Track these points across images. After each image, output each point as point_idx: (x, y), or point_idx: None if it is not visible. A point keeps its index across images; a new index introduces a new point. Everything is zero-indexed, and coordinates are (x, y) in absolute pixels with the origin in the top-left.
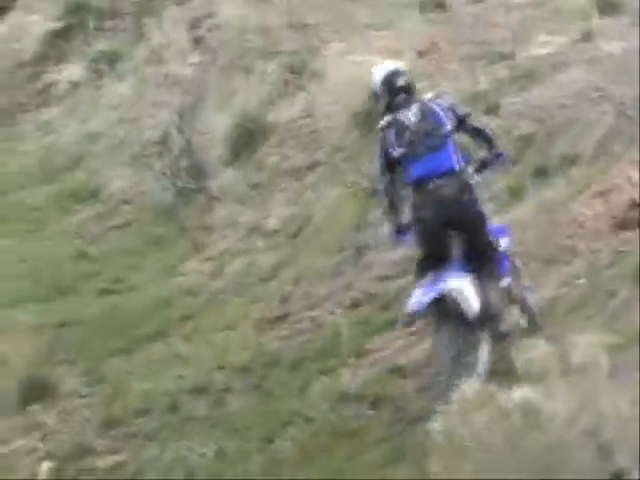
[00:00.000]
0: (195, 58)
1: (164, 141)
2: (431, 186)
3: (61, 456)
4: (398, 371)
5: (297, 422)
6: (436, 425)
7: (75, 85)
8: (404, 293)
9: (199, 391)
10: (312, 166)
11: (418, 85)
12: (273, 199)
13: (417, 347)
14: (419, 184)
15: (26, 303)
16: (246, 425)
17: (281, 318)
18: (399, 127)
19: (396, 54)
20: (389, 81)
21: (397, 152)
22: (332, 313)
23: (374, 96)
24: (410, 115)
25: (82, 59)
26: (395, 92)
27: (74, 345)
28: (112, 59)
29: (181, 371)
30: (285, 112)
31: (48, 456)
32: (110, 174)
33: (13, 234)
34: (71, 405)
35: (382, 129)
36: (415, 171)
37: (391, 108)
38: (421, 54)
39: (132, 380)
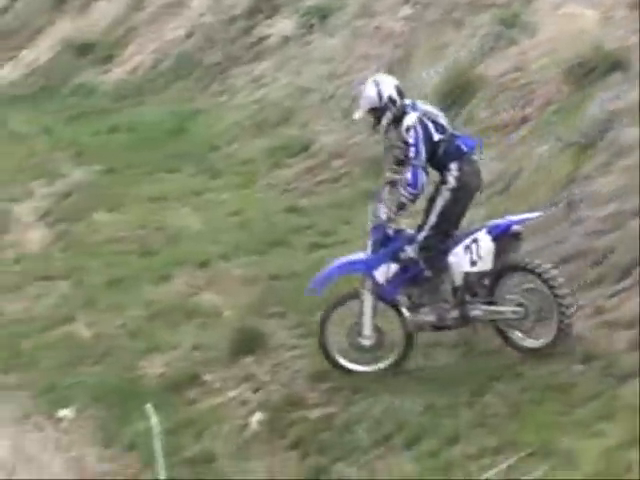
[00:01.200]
0: (406, 11)
1: None
2: (473, 158)
3: (272, 407)
4: (609, 326)
5: (506, 377)
6: None
7: (286, 39)
8: (615, 248)
9: None
10: (522, 121)
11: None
12: (482, 154)
13: (629, 302)
14: (465, 156)
15: (239, 256)
16: (455, 380)
17: None
18: (429, 118)
19: (608, 8)
20: (400, 91)
21: (441, 136)
22: None
23: (384, 106)
24: (429, 108)
25: (293, 13)
26: (403, 99)
27: (285, 298)
28: (323, 13)
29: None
30: (496, 66)
31: (259, 407)
32: (321, 128)
33: (226, 188)
34: (282, 357)
35: (414, 126)
36: (462, 145)
37: (404, 112)
38: (632, 7)
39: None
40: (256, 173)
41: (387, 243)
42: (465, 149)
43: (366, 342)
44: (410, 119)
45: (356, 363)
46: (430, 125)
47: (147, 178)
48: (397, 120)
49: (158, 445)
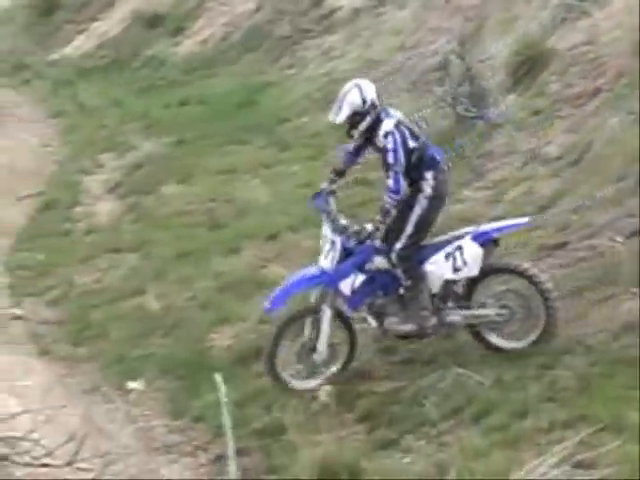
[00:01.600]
0: None
1: (444, 67)
2: (444, 167)
3: (341, 380)
4: None
5: (576, 350)
6: None
7: (356, 11)
8: None
9: None
10: (594, 93)
11: None
12: (553, 126)
13: None
14: (439, 165)
15: (308, 228)
16: (523, 353)
17: (560, 246)
18: (404, 124)
19: None
20: (378, 95)
21: (414, 144)
22: (612, 242)
23: (366, 111)
24: (401, 115)
25: None
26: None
27: None
28: None
29: None
30: (567, 38)
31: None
32: (390, 100)
33: (296, 160)
34: None
35: (392, 132)
36: (435, 154)
37: (379, 118)
38: None
39: None
40: (325, 146)
41: (349, 255)
42: (438, 158)
43: (318, 358)
44: (388, 125)
45: (299, 379)
46: (406, 132)
47: (217, 150)
48: (373, 126)
49: (227, 416)
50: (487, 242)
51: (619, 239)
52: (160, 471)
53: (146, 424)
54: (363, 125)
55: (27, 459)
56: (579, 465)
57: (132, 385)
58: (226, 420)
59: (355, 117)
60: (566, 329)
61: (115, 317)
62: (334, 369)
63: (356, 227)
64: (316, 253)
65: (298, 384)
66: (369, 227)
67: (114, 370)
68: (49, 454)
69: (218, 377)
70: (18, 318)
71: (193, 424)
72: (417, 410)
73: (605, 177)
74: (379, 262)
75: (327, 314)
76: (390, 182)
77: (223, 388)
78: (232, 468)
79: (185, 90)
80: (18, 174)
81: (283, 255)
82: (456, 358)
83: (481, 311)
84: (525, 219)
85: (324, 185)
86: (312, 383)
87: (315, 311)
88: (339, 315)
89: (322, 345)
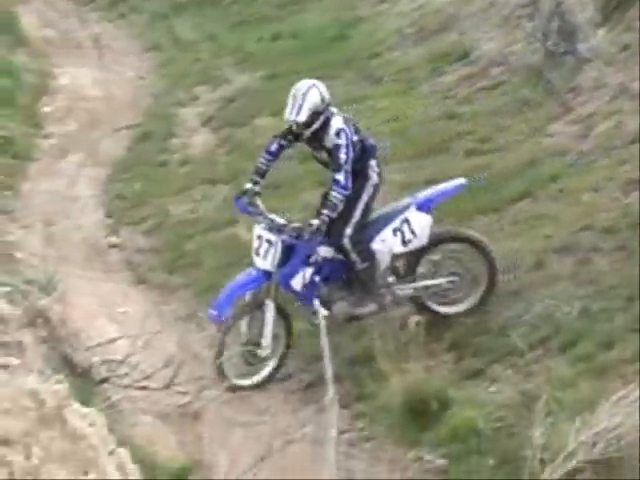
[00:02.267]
0: None
1: (534, 3)
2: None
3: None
4: None
5: None
6: None
7: None
8: None
9: (565, 250)
10: None
11: None
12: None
13: None
14: (377, 153)
15: (396, 162)
16: (611, 285)
17: None
18: (347, 120)
19: None
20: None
21: (357, 136)
22: None
23: (323, 110)
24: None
25: None
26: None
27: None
28: None
29: (547, 230)
30: None
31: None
32: (481, 35)
33: (386, 94)
34: None
35: (343, 128)
36: (373, 142)
37: (329, 115)
38: None
39: (499, 238)
40: (415, 80)
41: (288, 251)
42: (377, 146)
43: (263, 352)
44: (338, 122)
45: (241, 378)
46: (351, 126)
47: None
48: (322, 125)
49: (325, 341)
50: (431, 209)
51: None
52: (252, 397)
53: None
54: (316, 124)
55: (126, 382)
56: None
57: None
58: (325, 345)
59: (313, 116)
60: None
61: (208, 246)
62: (273, 364)
63: (296, 223)
64: (403, 186)
65: (241, 382)
66: (315, 222)
67: (208, 298)
68: (147, 377)
69: (317, 302)
70: (115, 246)
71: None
72: (504, 340)
73: None
74: (324, 251)
75: (270, 308)
76: (340, 177)
77: (322, 314)
78: (330, 390)
79: (277, 25)
80: (115, 106)
81: None
82: (543, 289)
83: (432, 281)
84: (463, 180)
85: (248, 186)
86: (253, 379)
87: (258, 306)
88: (277, 308)
89: (267, 339)
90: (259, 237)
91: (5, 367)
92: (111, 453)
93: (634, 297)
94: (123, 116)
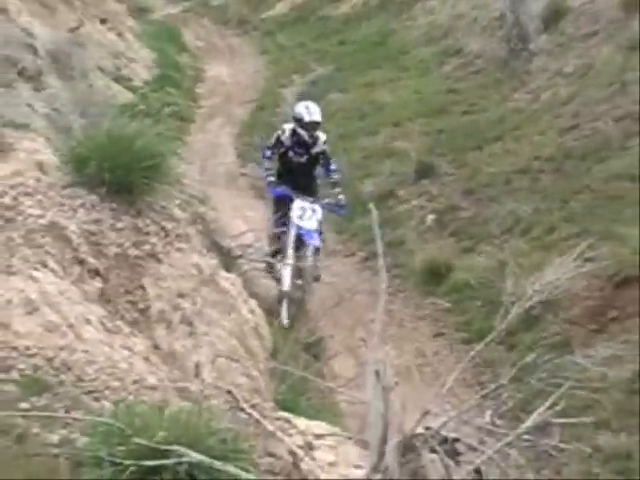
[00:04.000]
0: None
1: (502, 17)
2: None
3: (439, 210)
4: None
5: None
6: None
7: None
8: None
9: (523, 172)
10: None
11: None
12: None
13: None
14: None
15: (417, 118)
16: (552, 192)
17: None
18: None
19: None
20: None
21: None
22: None
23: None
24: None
25: None
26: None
27: (446, 143)
28: None
29: (511, 159)
30: None
31: (432, 211)
32: (469, 39)
33: (410, 77)
34: (445, 180)
35: (326, 139)
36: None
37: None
38: None
39: (482, 169)
40: (428, 68)
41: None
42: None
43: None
44: (323, 134)
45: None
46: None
47: (362, 72)
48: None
49: (377, 230)
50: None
51: None
52: (333, 267)
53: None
54: (317, 132)
55: (253, 257)
56: None
57: None
58: (376, 232)
59: (318, 126)
60: None
61: None
62: None
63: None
64: (424, 134)
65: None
66: (343, 196)
67: None
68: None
69: (372, 205)
70: (244, 175)
71: (351, 238)
72: (486, 228)
73: None
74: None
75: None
76: (334, 166)
77: (374, 211)
78: (380, 261)
79: (342, 35)
80: (242, 88)
81: (405, 135)
82: (510, 196)
83: None
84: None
85: (272, 179)
86: None
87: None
88: None
89: None
90: (302, 208)
91: (180, 250)
92: (245, 302)
93: (567, 200)
94: (247, 94)
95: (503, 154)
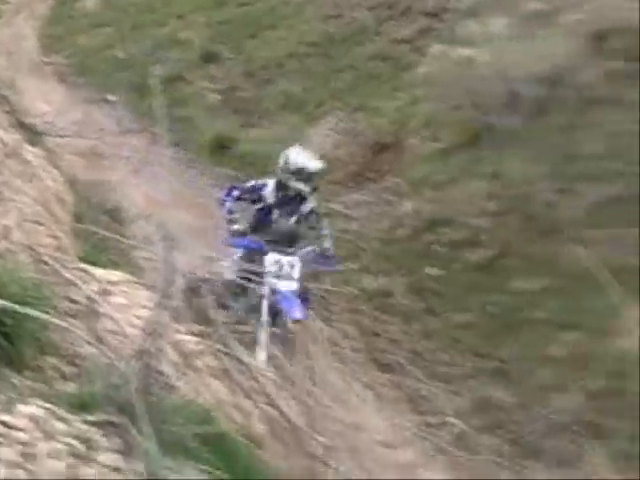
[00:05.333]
0: None
1: None
2: None
3: (222, 90)
4: None
5: None
6: None
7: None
8: None
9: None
10: None
11: None
12: None
13: None
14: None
15: (199, 10)
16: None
17: None
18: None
19: None
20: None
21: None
22: None
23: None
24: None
25: None
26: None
27: (226, 32)
28: None
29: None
30: None
31: (216, 91)
32: None
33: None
34: (227, 65)
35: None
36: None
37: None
38: None
39: (260, 50)
40: None
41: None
42: None
43: None
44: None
45: None
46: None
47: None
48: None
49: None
50: None
51: None
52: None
53: None
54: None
55: (55, 133)
56: None
57: None
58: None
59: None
60: None
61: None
62: None
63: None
64: (209, 24)
65: None
66: (328, 245)
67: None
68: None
69: (155, 82)
70: (48, 64)
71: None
72: (264, 105)
73: None
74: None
75: None
76: (326, 231)
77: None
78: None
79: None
80: None
81: (189, 26)
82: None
83: None
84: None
85: (237, 227)
86: None
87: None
88: None
89: None
90: (277, 262)
91: None
92: (47, 172)
93: (332, 79)
94: None
95: (275, 41)
